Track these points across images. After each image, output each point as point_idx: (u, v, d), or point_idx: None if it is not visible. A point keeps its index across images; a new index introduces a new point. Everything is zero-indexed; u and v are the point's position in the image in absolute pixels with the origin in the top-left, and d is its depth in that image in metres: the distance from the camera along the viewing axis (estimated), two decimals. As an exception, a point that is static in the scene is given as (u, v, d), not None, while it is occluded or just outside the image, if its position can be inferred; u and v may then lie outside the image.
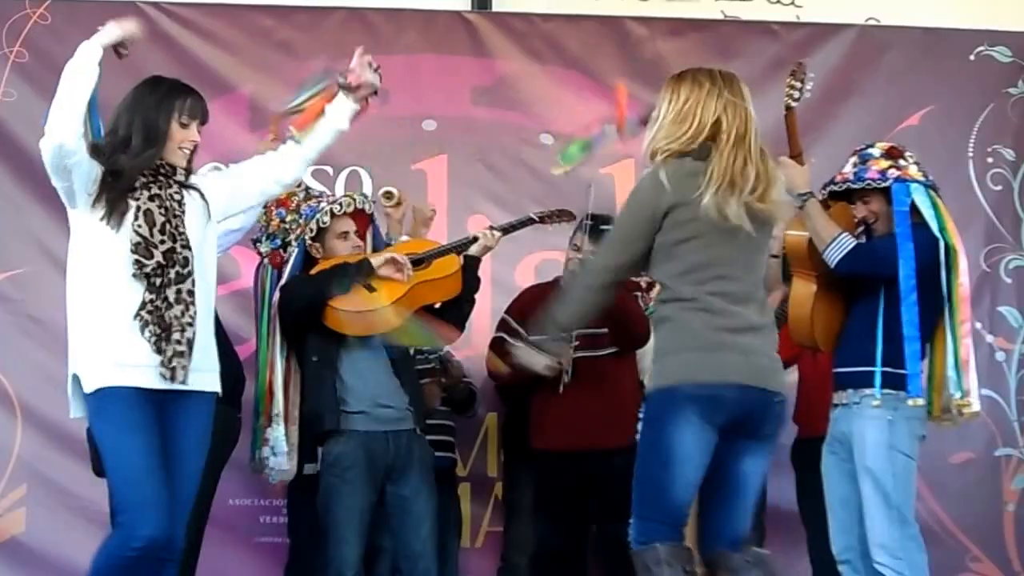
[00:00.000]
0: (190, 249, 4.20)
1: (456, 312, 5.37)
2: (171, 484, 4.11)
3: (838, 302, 4.97)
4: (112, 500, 4.20)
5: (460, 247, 5.39)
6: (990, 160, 6.78)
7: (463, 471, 6.26)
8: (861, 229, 4.97)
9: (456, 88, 6.63)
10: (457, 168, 6.61)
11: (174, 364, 4.10)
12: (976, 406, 4.85)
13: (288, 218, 5.22)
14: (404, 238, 5.68)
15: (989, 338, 6.64)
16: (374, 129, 6.25)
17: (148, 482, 4.04)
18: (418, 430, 5.16)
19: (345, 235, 5.22)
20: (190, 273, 4.18)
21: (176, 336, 4.11)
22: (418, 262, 5.24)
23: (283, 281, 5.14)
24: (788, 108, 5.09)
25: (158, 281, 4.13)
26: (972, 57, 6.84)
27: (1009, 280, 6.73)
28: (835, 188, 4.97)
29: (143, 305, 4.11)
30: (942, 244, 4.79)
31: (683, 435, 3.94)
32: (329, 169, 6.45)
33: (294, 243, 5.18)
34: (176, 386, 4.12)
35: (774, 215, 4.10)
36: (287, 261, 5.17)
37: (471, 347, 6.00)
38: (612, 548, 5.49)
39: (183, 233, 4.21)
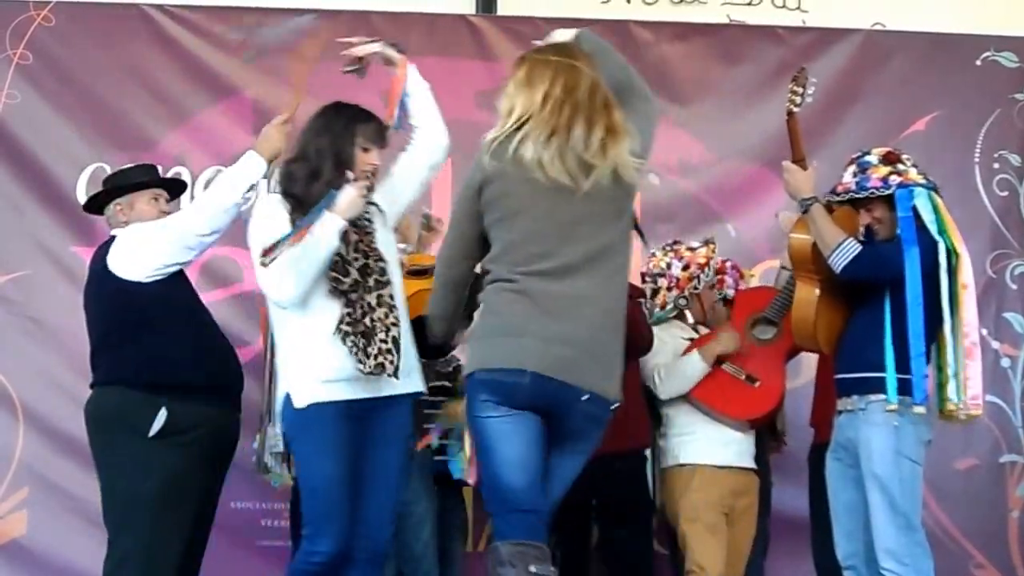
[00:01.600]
0: (384, 260, 4.37)
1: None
2: (371, 492, 4.32)
3: (842, 305, 4.96)
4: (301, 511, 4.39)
5: None
6: (996, 166, 6.76)
7: (466, 475, 6.24)
8: (863, 236, 4.95)
9: (460, 91, 6.60)
10: (461, 172, 6.58)
11: (381, 360, 4.23)
12: (978, 409, 4.83)
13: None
14: (402, 246, 5.63)
15: (995, 344, 6.62)
16: (378, 132, 6.23)
17: (334, 499, 4.24)
18: (419, 435, 5.14)
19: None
20: (388, 281, 4.35)
21: (381, 336, 4.25)
22: (423, 272, 5.22)
23: None
24: (790, 114, 5.10)
25: (354, 295, 4.28)
26: (978, 62, 6.82)
27: (1015, 286, 6.71)
28: (837, 199, 4.96)
29: (342, 319, 4.25)
30: (942, 247, 4.77)
31: (487, 420, 3.92)
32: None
33: None
34: (383, 391, 4.31)
35: (620, 172, 3.97)
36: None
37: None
38: (615, 552, 5.48)
39: (375, 248, 4.37)
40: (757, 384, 5.40)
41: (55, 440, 6.10)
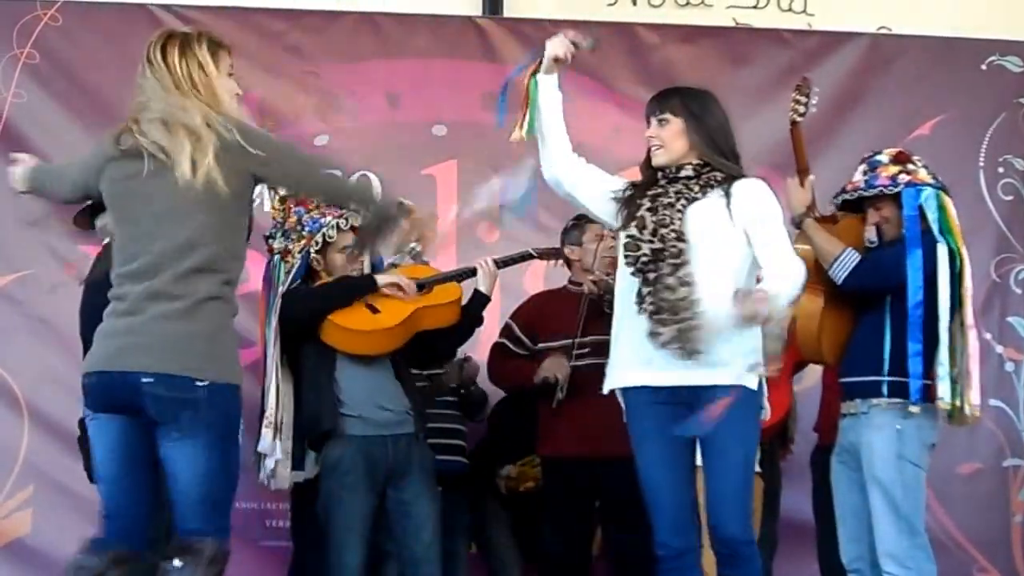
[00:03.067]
0: (684, 240, 4.26)
1: (448, 340, 5.39)
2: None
3: (846, 315, 4.97)
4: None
5: (460, 276, 5.39)
6: (1001, 170, 6.77)
7: (470, 477, 6.24)
8: (874, 235, 4.96)
9: (466, 93, 6.62)
10: (467, 174, 6.60)
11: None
12: (976, 411, 4.82)
13: (305, 217, 5.22)
14: (406, 248, 5.62)
15: (999, 348, 6.63)
16: (384, 134, 6.25)
17: (649, 489, 4.44)
18: (420, 435, 5.15)
19: (346, 249, 5.22)
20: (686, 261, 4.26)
21: (683, 315, 4.21)
22: (420, 287, 5.23)
23: (284, 289, 5.12)
24: (793, 123, 5.11)
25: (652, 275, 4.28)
26: (984, 67, 6.82)
27: (1019, 290, 6.72)
28: (847, 197, 4.98)
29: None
30: (944, 248, 4.78)
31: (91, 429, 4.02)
32: (338, 174, 6.43)
33: (297, 253, 5.16)
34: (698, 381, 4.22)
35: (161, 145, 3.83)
36: (290, 271, 5.15)
37: (478, 352, 5.98)
38: (618, 555, 5.48)
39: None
40: None
41: (60, 439, 6.08)
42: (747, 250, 4.28)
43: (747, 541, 4.30)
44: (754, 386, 4.26)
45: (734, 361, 4.21)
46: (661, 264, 4.25)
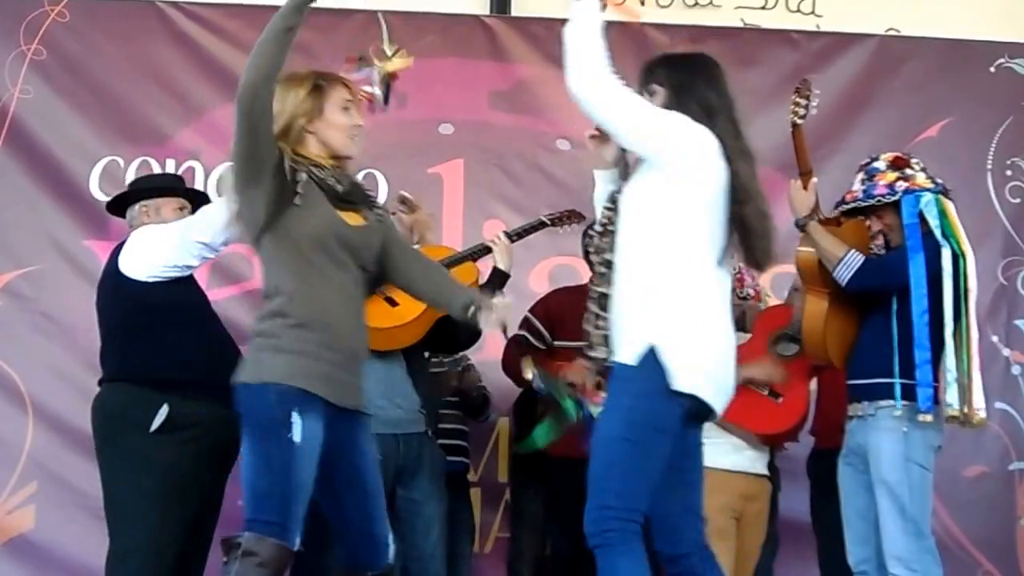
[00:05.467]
0: None
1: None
2: None
3: (851, 317, 4.96)
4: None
5: (474, 255, 5.36)
6: (1009, 173, 6.75)
7: (473, 476, 6.24)
8: (880, 242, 4.95)
9: (474, 92, 6.62)
10: (473, 172, 6.60)
11: None
12: (983, 413, 4.81)
13: None
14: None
15: (1005, 352, 6.61)
16: (390, 132, 6.24)
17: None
18: (430, 433, 5.14)
19: None
20: None
21: None
22: None
23: None
24: (794, 125, 5.10)
25: None
26: (992, 69, 6.81)
27: (1026, 293, 6.72)
28: (846, 208, 4.97)
29: None
30: (947, 251, 4.77)
31: None
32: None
33: None
34: None
35: None
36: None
37: (485, 351, 5.98)
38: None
39: None
40: (780, 400, 5.35)
41: (64, 435, 6.10)
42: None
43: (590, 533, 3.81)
44: (626, 360, 3.84)
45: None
46: None
